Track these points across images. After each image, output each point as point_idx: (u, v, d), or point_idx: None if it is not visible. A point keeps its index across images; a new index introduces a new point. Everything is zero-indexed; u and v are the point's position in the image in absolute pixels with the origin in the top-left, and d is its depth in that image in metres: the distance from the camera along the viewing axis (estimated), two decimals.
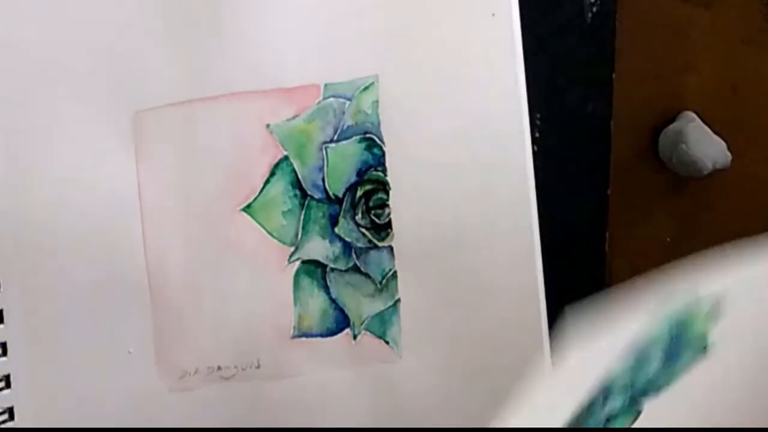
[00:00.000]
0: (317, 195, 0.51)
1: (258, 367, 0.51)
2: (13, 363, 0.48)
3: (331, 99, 0.50)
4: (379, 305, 0.52)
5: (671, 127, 0.57)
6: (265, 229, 0.51)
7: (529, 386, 0.33)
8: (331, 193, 0.51)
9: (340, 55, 0.50)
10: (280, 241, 0.51)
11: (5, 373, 0.48)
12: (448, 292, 0.52)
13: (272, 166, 0.50)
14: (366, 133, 0.51)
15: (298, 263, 0.51)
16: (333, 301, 0.51)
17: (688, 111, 0.57)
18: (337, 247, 0.51)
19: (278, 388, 0.51)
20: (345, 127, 0.51)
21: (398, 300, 0.52)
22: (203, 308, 0.51)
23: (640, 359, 0.36)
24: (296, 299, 0.51)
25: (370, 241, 0.51)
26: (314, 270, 0.51)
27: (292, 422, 0.52)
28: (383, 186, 0.51)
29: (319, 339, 0.52)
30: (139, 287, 0.50)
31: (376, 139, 0.51)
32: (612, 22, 0.56)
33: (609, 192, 0.60)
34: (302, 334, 0.51)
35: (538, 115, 0.56)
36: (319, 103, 0.50)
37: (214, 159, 0.50)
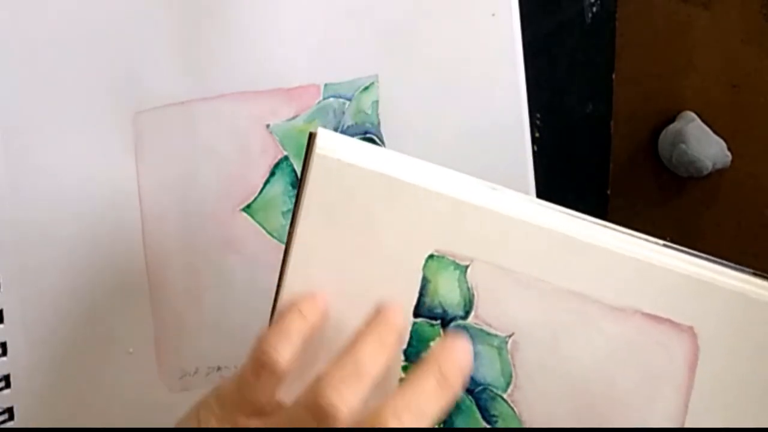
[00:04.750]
0: None
1: None
2: (13, 363, 0.48)
3: (331, 99, 0.50)
4: None
5: (671, 127, 0.57)
6: (265, 229, 0.51)
7: None
8: None
9: (340, 55, 0.50)
10: (279, 241, 0.51)
11: (5, 373, 0.48)
12: None
13: (272, 166, 0.50)
14: (366, 133, 0.51)
15: None
16: None
17: (688, 111, 0.57)
18: None
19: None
20: (345, 127, 0.51)
21: None
22: (203, 308, 0.51)
23: None
24: None
25: None
26: None
27: None
28: None
29: None
30: (139, 287, 0.50)
31: (376, 139, 0.51)
32: (612, 22, 0.57)
33: (609, 192, 0.60)
34: None
35: (538, 115, 0.56)
36: (319, 103, 0.50)
37: (214, 159, 0.50)
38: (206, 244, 0.51)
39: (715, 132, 0.57)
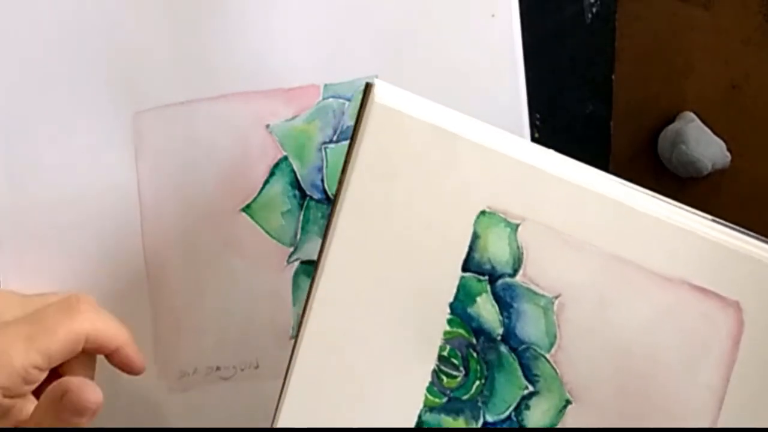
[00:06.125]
0: (316, 195, 0.51)
1: (257, 367, 0.51)
2: None
3: (331, 99, 0.50)
4: None
5: (671, 127, 0.57)
6: (264, 229, 0.51)
7: None
8: (330, 194, 0.51)
9: (340, 56, 0.50)
10: (279, 241, 0.51)
11: None
12: None
13: (271, 167, 0.50)
14: None
15: (297, 264, 0.51)
16: None
17: (687, 111, 0.57)
18: None
19: (277, 389, 0.51)
20: (345, 127, 0.51)
21: None
22: (203, 308, 0.51)
23: None
24: (295, 299, 0.51)
25: None
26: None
27: None
28: None
29: None
30: (139, 287, 0.50)
31: None
32: (612, 23, 0.56)
33: None
34: None
35: (538, 115, 0.56)
36: (318, 103, 0.50)
37: (214, 159, 0.50)
38: (206, 244, 0.51)
39: (714, 132, 0.57)
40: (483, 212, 0.42)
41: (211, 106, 0.50)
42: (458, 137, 0.42)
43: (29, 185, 0.49)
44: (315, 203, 0.51)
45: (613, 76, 0.57)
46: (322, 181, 0.51)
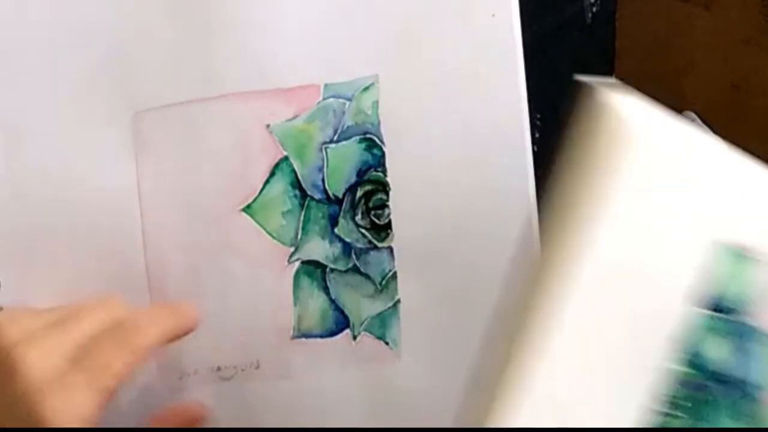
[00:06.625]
0: (317, 195, 0.51)
1: (258, 367, 0.51)
2: None
3: (331, 99, 0.50)
4: (378, 306, 0.52)
5: None
6: (264, 229, 0.51)
7: None
8: (331, 194, 0.51)
9: (340, 56, 0.50)
10: (279, 241, 0.51)
11: None
12: (447, 292, 0.52)
13: (272, 167, 0.50)
14: (366, 133, 0.51)
15: (297, 264, 0.51)
16: (333, 301, 0.51)
17: (688, 111, 0.57)
18: (337, 247, 0.51)
19: (278, 389, 0.51)
20: (345, 127, 0.51)
21: (398, 301, 0.52)
22: (203, 308, 0.51)
23: None
24: (296, 300, 0.51)
25: (370, 242, 0.51)
26: (314, 270, 0.51)
27: (292, 422, 0.52)
28: (383, 186, 0.51)
29: (319, 340, 0.52)
30: (139, 287, 0.50)
31: (376, 140, 0.51)
32: (612, 23, 0.57)
33: None
34: (302, 334, 0.51)
35: (538, 115, 0.56)
36: (319, 103, 0.50)
37: (214, 159, 0.50)
38: (206, 244, 0.51)
39: (715, 132, 0.57)
40: (720, 243, 0.39)
41: (211, 106, 0.50)
42: (707, 164, 0.39)
43: (29, 186, 0.49)
44: (316, 203, 0.51)
45: (613, 76, 0.58)
46: (323, 181, 0.51)
